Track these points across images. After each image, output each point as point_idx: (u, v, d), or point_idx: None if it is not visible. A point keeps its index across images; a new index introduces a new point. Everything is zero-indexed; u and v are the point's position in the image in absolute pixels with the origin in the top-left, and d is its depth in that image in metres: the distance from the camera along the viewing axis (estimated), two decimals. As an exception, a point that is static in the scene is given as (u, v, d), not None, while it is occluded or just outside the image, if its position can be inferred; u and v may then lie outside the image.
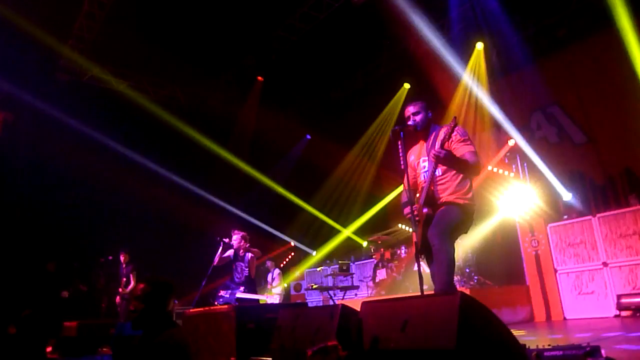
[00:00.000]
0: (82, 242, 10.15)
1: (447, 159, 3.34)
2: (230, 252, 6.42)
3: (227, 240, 6.38)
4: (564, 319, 7.12)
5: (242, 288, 6.23)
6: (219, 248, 6.31)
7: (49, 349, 6.14)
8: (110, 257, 9.61)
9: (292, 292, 12.00)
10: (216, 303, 6.06)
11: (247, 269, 6.28)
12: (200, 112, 11.74)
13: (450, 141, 3.43)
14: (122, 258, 9.04)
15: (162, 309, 2.71)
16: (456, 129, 3.41)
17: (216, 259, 6.28)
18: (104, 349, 6.31)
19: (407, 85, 10.96)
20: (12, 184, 9.57)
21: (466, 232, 3.59)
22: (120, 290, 8.81)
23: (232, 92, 11.97)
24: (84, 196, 10.20)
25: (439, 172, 3.51)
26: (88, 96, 10.49)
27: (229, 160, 12.08)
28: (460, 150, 3.45)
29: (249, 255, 6.38)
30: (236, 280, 6.31)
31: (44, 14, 8.19)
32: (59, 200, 10.01)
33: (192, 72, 10.90)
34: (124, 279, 8.84)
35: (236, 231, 6.54)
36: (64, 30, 9.20)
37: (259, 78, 11.53)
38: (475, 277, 7.93)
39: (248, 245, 6.49)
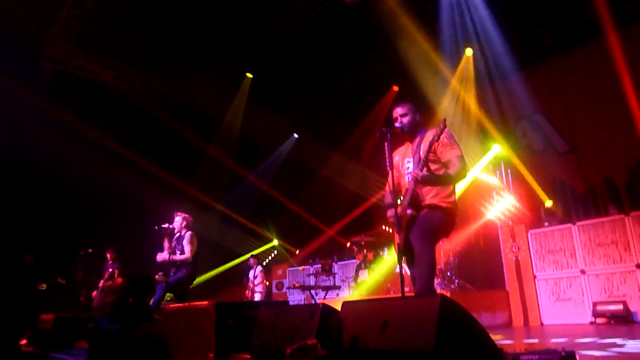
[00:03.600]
0: (62, 234, 9.99)
1: (425, 181, 3.35)
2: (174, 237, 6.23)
3: (165, 225, 6.20)
4: (542, 324, 7.22)
5: (172, 270, 6.05)
6: (162, 237, 6.15)
7: (24, 342, 6.03)
8: (90, 250, 9.49)
9: (274, 291, 11.97)
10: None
11: (188, 245, 6.05)
12: (187, 107, 11.64)
13: (438, 143, 3.44)
14: (108, 255, 8.94)
15: (140, 304, 2.69)
16: (444, 131, 3.43)
17: (166, 248, 6.14)
18: (81, 343, 6.22)
19: (395, 88, 11.01)
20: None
21: (447, 236, 3.61)
22: (101, 283, 8.71)
23: (220, 87, 11.89)
24: (66, 187, 10.03)
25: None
26: (72, 86, 10.32)
27: (214, 157, 12.00)
28: (447, 154, 3.47)
29: (189, 233, 6.16)
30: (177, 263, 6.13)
31: (30, 0, 8.04)
32: (40, 190, 9.84)
33: (181, 66, 10.79)
34: (109, 271, 8.75)
35: (178, 213, 6.36)
36: (50, 18, 9.04)
37: (248, 75, 11.48)
38: (456, 281, 8.00)
39: (189, 226, 6.28)
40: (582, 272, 7.04)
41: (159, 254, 6.15)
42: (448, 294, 6.81)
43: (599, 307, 6.62)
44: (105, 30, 9.33)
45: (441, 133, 3.35)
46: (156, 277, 5.92)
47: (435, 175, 3.35)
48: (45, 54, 9.96)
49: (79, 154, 9.61)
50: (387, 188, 3.76)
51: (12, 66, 8.86)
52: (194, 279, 6.30)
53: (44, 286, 9.17)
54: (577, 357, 2.64)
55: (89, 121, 10.01)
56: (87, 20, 9.10)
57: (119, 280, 2.73)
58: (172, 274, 6.09)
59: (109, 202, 10.49)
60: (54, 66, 10.20)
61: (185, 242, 6.10)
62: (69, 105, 9.74)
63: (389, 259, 8.85)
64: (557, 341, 4.57)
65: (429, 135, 3.46)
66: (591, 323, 6.64)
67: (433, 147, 3.38)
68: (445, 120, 3.38)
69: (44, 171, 9.77)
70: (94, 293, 8.80)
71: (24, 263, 9.20)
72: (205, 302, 3.95)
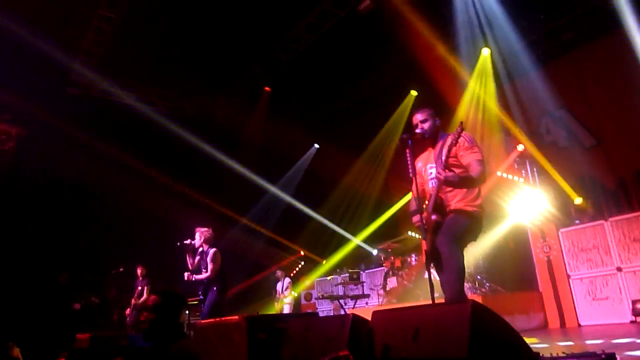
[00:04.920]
0: (94, 254, 10.22)
1: (449, 182, 3.33)
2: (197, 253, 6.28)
3: (187, 241, 6.24)
4: (579, 325, 7.02)
5: (201, 287, 6.08)
6: (186, 254, 6.19)
7: (61, 361, 6.17)
8: (122, 269, 9.70)
9: (303, 302, 11.96)
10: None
11: (211, 264, 6.06)
12: (208, 123, 11.82)
13: (457, 147, 3.42)
14: (139, 271, 9.14)
15: (173, 320, 2.72)
16: (463, 134, 3.41)
17: (189, 264, 6.19)
18: (116, 361, 6.32)
19: (414, 93, 10.96)
20: (25, 197, 9.68)
21: (475, 240, 3.57)
22: (132, 301, 8.88)
23: (239, 102, 12.05)
24: (96, 209, 10.29)
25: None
26: (98, 110, 10.61)
27: (238, 171, 12.13)
28: (467, 158, 3.44)
29: (213, 250, 6.15)
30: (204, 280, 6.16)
31: (54, 30, 8.34)
32: (71, 213, 10.11)
33: (200, 83, 10.99)
34: (138, 289, 8.93)
35: (198, 228, 6.39)
36: (74, 46, 9.35)
37: (266, 88, 11.60)
38: (487, 284, 7.85)
39: (210, 241, 6.30)
40: (619, 269, 6.82)
41: (187, 273, 6.22)
42: (479, 298, 6.69)
43: (639, 305, 6.40)
44: (125, 54, 9.59)
45: (459, 137, 3.34)
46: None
47: (457, 176, 3.34)
48: (71, 80, 10.28)
49: (106, 175, 9.85)
50: (412, 194, 3.74)
51: (40, 94, 9.18)
52: (226, 293, 6.34)
53: (79, 306, 9.39)
54: (618, 359, 2.56)
55: (114, 142, 10.26)
56: (108, 46, 9.37)
57: (153, 298, 2.76)
58: (200, 293, 6.14)
59: (138, 220, 10.68)
60: (80, 92, 10.51)
61: (208, 260, 6.14)
62: (96, 128, 10.01)
63: (417, 265, 8.77)
64: (596, 343, 4.44)
65: (449, 139, 3.44)
66: (632, 322, 6.42)
67: (453, 151, 3.36)
68: (462, 123, 3.37)
69: (75, 194, 10.04)
70: (127, 311, 8.97)
71: (58, 284, 9.45)
72: (236, 317, 3.98)
